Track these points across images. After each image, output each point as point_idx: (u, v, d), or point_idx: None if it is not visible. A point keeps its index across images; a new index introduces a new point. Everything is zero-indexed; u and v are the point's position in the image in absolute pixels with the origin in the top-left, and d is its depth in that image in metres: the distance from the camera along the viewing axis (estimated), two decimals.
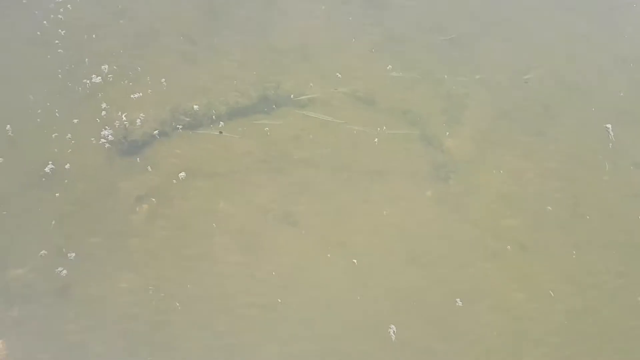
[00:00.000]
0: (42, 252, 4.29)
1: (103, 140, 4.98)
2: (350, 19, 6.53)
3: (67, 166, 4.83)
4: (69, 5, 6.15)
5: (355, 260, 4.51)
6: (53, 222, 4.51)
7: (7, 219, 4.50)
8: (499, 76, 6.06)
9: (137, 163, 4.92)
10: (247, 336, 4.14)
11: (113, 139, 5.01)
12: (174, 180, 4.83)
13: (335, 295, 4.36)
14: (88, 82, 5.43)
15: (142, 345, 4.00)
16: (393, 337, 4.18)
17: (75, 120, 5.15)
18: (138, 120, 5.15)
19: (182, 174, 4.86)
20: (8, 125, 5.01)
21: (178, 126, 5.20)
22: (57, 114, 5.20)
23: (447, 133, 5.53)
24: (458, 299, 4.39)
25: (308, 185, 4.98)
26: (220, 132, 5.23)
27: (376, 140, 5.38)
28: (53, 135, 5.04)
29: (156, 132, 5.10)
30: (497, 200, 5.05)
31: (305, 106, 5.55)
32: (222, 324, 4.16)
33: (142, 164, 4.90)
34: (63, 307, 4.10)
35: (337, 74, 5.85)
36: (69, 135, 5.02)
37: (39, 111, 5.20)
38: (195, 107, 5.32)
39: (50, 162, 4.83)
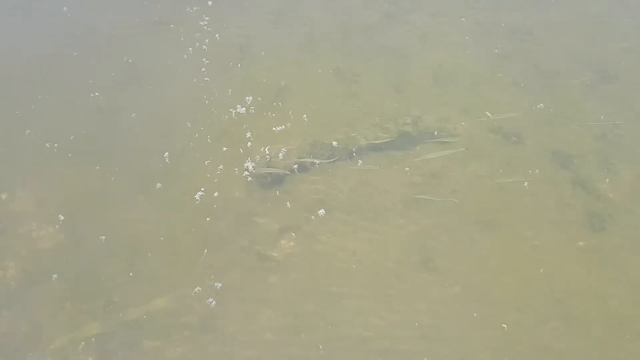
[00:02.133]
0: (196, 289, 4.37)
1: (246, 172, 5.04)
2: (496, 51, 6.25)
3: (216, 194, 4.93)
4: (216, 35, 6.39)
5: (505, 325, 4.18)
6: (205, 251, 4.60)
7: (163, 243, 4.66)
8: None
9: (277, 197, 4.92)
10: None
11: (255, 171, 5.05)
12: (313, 217, 4.77)
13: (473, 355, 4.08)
14: (233, 111, 5.54)
15: None
16: None
17: (225, 149, 5.27)
18: (280, 154, 5.15)
19: (322, 211, 4.79)
20: (166, 153, 5.20)
21: (316, 161, 5.14)
22: (209, 140, 5.35)
23: (606, 180, 5.06)
24: None
25: (449, 229, 4.73)
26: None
27: (526, 184, 5.02)
28: (206, 163, 5.17)
29: (296, 166, 5.08)
30: None
31: (447, 142, 5.31)
32: None
33: (282, 198, 4.90)
34: (203, 339, 4.15)
35: (487, 112, 5.57)
36: (221, 165, 5.13)
37: (196, 135, 5.38)
38: (335, 143, 5.24)
39: (202, 189, 4.95)
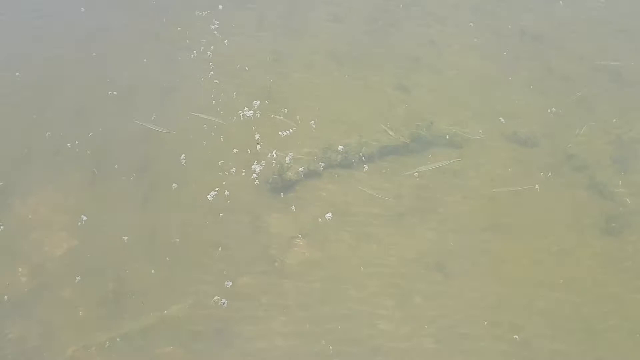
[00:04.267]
0: (215, 298, 4.26)
1: (254, 175, 4.95)
2: (505, 53, 6.18)
3: (227, 193, 4.84)
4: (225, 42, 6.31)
5: (516, 337, 4.05)
6: (219, 249, 4.51)
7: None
8: None
9: (284, 200, 4.82)
10: None
11: (262, 175, 4.96)
12: (321, 220, 4.67)
13: None
14: (242, 113, 5.45)
15: None
16: None
17: (235, 150, 5.17)
18: (287, 158, 5.05)
19: (329, 215, 4.68)
20: (182, 155, 5.10)
21: (321, 164, 5.05)
22: (222, 139, 5.26)
23: (620, 182, 4.96)
24: None
25: (462, 234, 4.62)
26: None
27: (537, 186, 4.92)
28: (219, 163, 5.08)
29: (301, 168, 4.98)
30: None
31: (459, 147, 5.22)
32: None
33: (289, 202, 4.80)
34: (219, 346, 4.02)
35: (500, 118, 5.51)
36: (233, 168, 5.04)
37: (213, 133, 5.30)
38: (340, 147, 5.13)
39: (216, 189, 4.86)
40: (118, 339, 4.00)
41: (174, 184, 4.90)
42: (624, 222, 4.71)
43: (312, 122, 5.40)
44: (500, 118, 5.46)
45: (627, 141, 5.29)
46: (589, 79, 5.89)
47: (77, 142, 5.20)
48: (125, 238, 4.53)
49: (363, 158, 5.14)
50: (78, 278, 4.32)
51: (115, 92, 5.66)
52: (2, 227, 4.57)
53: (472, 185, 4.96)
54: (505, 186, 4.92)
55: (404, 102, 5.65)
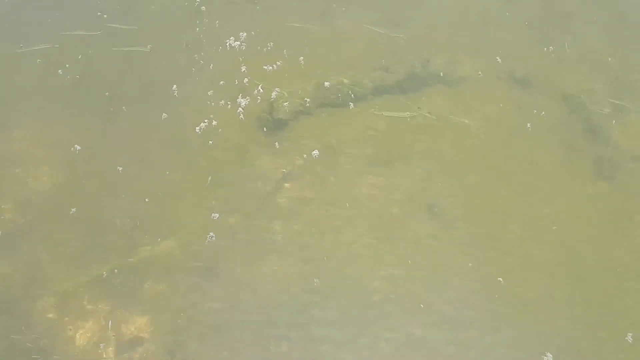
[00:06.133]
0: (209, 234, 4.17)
1: (240, 109, 4.80)
2: None
3: (214, 123, 4.71)
4: None
5: (500, 279, 4.01)
6: (210, 178, 4.41)
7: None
8: None
9: (273, 138, 4.68)
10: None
11: (250, 110, 4.81)
12: (310, 159, 4.56)
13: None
14: (228, 43, 5.23)
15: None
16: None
17: (222, 82, 4.99)
18: (273, 94, 4.89)
19: (317, 153, 4.57)
20: (174, 86, 4.93)
21: (307, 99, 4.88)
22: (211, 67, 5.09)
23: (614, 121, 4.87)
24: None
25: (455, 175, 4.53)
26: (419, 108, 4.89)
27: (529, 125, 4.82)
28: (209, 93, 4.91)
29: (288, 104, 4.83)
30: None
31: (454, 85, 5.07)
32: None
33: (277, 140, 4.67)
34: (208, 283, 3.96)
35: (496, 56, 5.32)
36: (222, 100, 4.87)
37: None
38: (327, 84, 4.96)
39: (205, 120, 4.72)
40: (105, 274, 3.92)
41: (164, 114, 4.76)
42: (617, 165, 4.65)
43: (301, 57, 5.18)
44: (497, 57, 5.29)
45: (625, 83, 5.16)
46: (590, 18, 5.68)
47: (67, 65, 5.00)
48: (120, 169, 4.42)
49: (353, 96, 4.97)
50: (73, 210, 4.20)
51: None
52: None
53: (465, 125, 4.83)
54: (498, 126, 4.81)
55: (398, 39, 5.42)
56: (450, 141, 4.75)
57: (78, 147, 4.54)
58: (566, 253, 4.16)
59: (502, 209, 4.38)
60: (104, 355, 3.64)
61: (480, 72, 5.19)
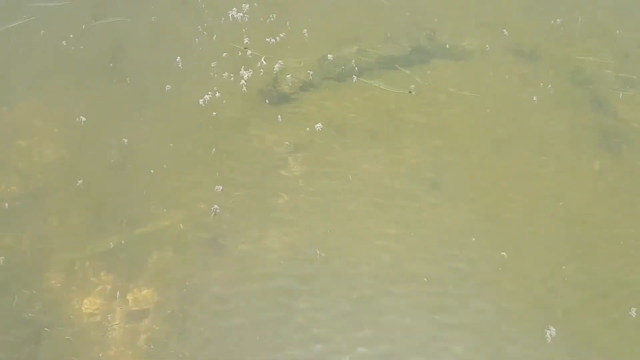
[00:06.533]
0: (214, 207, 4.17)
1: (243, 81, 4.77)
2: None
3: (218, 95, 4.70)
4: None
5: (504, 253, 4.00)
6: (214, 150, 4.42)
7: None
8: None
9: (276, 111, 4.66)
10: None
11: (253, 83, 4.78)
12: (313, 133, 4.54)
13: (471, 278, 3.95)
14: (230, 14, 5.18)
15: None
16: None
17: (225, 54, 4.96)
18: (276, 66, 4.85)
19: (319, 125, 4.55)
20: (178, 57, 4.91)
21: (310, 72, 4.85)
22: (214, 39, 5.05)
23: (621, 95, 4.82)
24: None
25: (459, 149, 4.50)
26: (410, 92, 4.83)
27: (535, 98, 4.76)
28: (212, 64, 4.89)
29: (289, 76, 4.80)
30: None
31: (460, 58, 5.00)
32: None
33: (280, 113, 4.64)
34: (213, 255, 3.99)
35: (503, 29, 5.24)
36: (225, 72, 4.84)
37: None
38: (330, 56, 4.92)
39: (209, 92, 4.70)
40: (112, 245, 3.95)
41: (168, 86, 4.76)
42: (624, 139, 4.60)
43: (305, 30, 5.12)
44: (504, 30, 5.21)
45: (633, 56, 5.09)
46: None
47: (71, 35, 4.97)
48: (126, 140, 4.43)
49: (357, 69, 4.92)
50: (79, 182, 4.22)
51: None
52: None
53: (471, 99, 4.78)
54: (504, 99, 4.77)
55: (403, 11, 5.34)
56: (455, 115, 4.70)
57: (83, 119, 4.53)
58: (572, 228, 4.13)
59: (506, 183, 4.35)
60: (110, 326, 3.68)
61: (487, 45, 5.10)
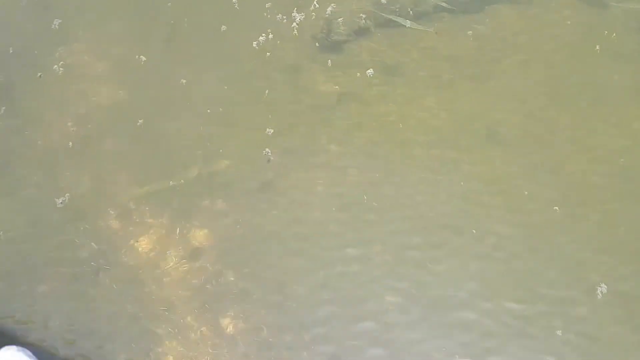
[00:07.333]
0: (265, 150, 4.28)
1: (295, 24, 4.74)
2: None
3: (271, 36, 4.72)
4: None
5: (557, 208, 3.90)
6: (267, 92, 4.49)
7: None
8: None
9: (326, 55, 4.64)
10: None
11: (306, 27, 4.75)
12: (365, 79, 4.51)
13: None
14: None
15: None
16: None
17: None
18: (328, 9, 4.77)
19: (370, 71, 4.50)
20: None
21: (362, 16, 4.76)
22: None
23: None
24: None
25: (516, 99, 4.37)
26: (436, 33, 4.69)
27: (597, 47, 4.54)
28: (267, 5, 4.87)
29: (341, 19, 4.73)
30: None
31: (522, 4, 4.78)
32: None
33: (331, 57, 4.62)
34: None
35: None
36: (279, 14, 4.81)
37: None
38: (384, 0, 4.78)
39: (263, 34, 4.71)
40: (164, 190, 4.07)
41: (223, 27, 4.80)
42: None
43: None
44: None
45: None
46: None
47: None
48: (184, 81, 4.55)
49: (412, 14, 4.78)
50: (139, 122, 4.39)
51: None
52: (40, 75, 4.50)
53: (531, 47, 4.60)
54: (564, 47, 4.56)
55: None
56: (512, 64, 4.55)
57: (143, 58, 4.58)
58: (632, 187, 4.01)
59: (564, 136, 4.23)
60: (165, 266, 3.83)
61: None
